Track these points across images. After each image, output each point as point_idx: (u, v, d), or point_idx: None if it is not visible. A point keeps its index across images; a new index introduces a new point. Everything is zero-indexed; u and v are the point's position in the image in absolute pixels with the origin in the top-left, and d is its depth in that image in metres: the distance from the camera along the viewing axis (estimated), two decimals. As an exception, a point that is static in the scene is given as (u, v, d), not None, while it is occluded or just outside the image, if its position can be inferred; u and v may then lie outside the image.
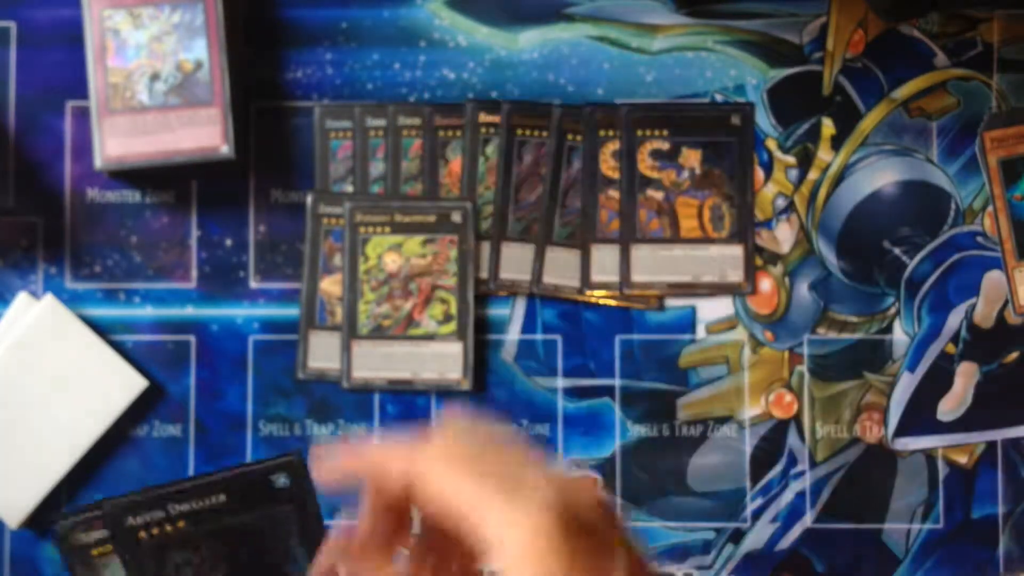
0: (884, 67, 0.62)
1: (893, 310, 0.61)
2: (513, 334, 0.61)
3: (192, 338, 0.60)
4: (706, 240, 0.61)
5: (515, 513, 0.29)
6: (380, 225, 0.60)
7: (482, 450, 0.32)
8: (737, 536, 0.60)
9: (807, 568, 0.60)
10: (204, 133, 0.57)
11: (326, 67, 0.61)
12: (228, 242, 0.61)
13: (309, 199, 0.61)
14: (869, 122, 0.62)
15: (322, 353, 0.60)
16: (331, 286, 0.61)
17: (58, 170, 0.61)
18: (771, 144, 0.61)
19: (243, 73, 0.61)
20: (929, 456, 0.61)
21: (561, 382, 0.61)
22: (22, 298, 0.59)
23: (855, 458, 0.61)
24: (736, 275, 0.61)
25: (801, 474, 0.61)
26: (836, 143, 0.61)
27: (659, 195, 0.61)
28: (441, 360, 0.60)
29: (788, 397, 0.61)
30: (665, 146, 0.61)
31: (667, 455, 0.60)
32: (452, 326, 0.60)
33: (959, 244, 0.61)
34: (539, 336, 0.61)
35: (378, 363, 0.60)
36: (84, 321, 0.59)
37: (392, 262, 0.60)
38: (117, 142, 0.57)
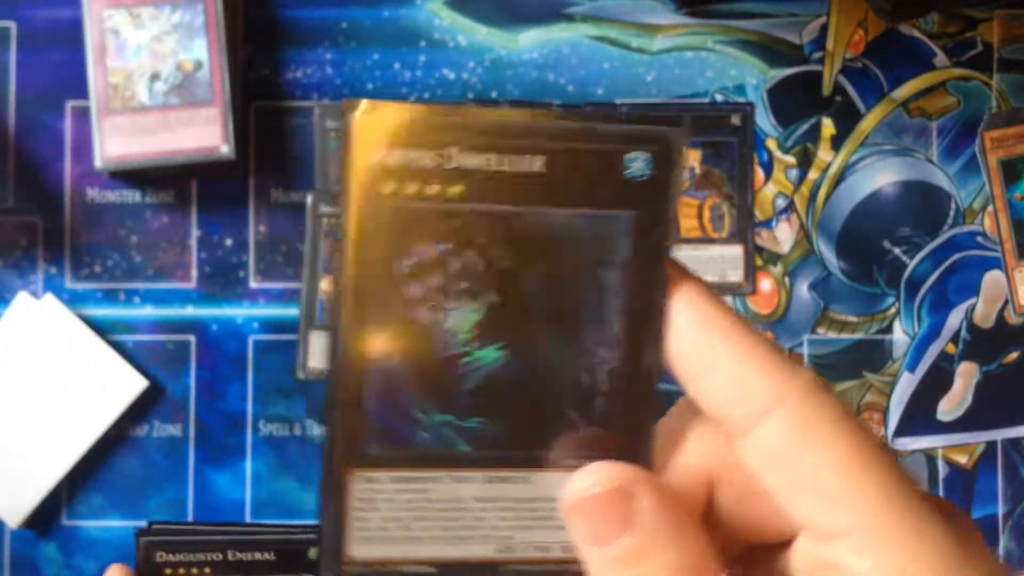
0: (884, 67, 0.62)
1: (893, 310, 0.61)
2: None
3: (192, 338, 0.60)
4: (706, 240, 0.61)
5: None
6: (380, 225, 0.60)
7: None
8: (737, 536, 0.60)
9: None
10: (204, 133, 0.57)
11: (326, 67, 0.61)
12: (228, 242, 0.61)
13: (309, 199, 0.61)
14: (869, 122, 0.62)
15: (322, 353, 0.60)
16: (331, 286, 0.61)
17: (58, 170, 0.61)
18: (771, 144, 0.62)
19: (243, 73, 0.61)
20: (929, 456, 0.61)
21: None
22: (22, 298, 0.59)
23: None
24: (736, 275, 0.61)
25: (801, 474, 0.60)
26: (836, 143, 0.61)
27: (659, 195, 0.61)
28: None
29: (788, 397, 0.61)
30: (665, 146, 0.61)
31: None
32: None
33: (959, 244, 0.62)
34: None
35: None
36: (84, 321, 0.59)
37: (392, 262, 0.60)
38: (117, 142, 0.57)
